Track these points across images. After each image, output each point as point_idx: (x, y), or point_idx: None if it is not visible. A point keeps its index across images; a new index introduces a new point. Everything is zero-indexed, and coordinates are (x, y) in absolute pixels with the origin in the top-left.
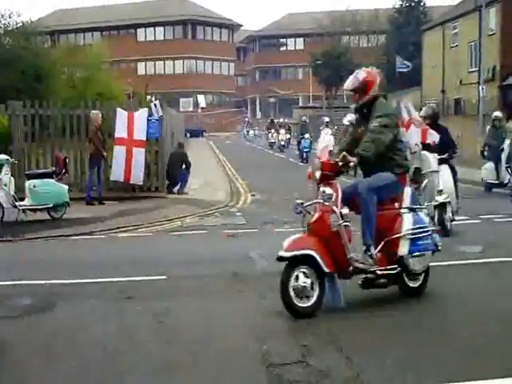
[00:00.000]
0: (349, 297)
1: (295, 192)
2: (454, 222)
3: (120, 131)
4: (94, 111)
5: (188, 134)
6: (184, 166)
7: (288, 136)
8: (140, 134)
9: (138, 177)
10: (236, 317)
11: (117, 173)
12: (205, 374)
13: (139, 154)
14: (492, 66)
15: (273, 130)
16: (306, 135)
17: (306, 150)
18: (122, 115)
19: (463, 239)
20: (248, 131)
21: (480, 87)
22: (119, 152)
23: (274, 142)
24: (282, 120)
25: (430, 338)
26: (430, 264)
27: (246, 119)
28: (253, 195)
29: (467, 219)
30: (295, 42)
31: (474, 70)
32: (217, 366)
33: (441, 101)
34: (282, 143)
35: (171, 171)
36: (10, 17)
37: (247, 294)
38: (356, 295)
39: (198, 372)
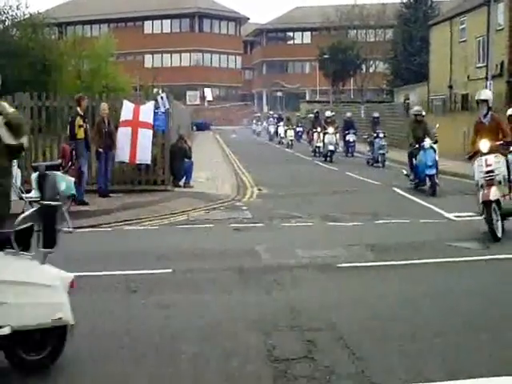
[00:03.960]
0: (352, 294)
1: None
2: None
3: (125, 116)
4: (102, 103)
5: (194, 128)
6: (186, 159)
7: (353, 138)
8: (146, 117)
9: (144, 156)
10: (241, 311)
11: (121, 154)
12: (210, 368)
13: (145, 135)
14: (500, 62)
15: (319, 129)
16: (381, 134)
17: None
18: (128, 107)
19: (468, 235)
20: (278, 127)
21: (488, 83)
22: (124, 133)
23: (319, 147)
24: (329, 114)
25: (437, 334)
26: (437, 260)
27: (272, 113)
28: (259, 189)
29: (473, 216)
30: (302, 35)
31: (481, 65)
32: (222, 360)
33: (448, 96)
34: (331, 148)
35: (172, 164)
36: (18, 8)
37: (252, 288)
38: (360, 292)
39: (203, 366)
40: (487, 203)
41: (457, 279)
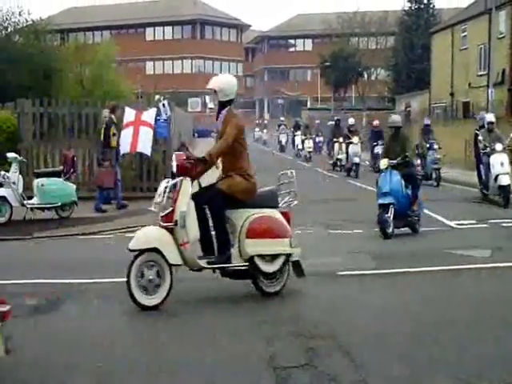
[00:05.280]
0: (353, 302)
1: None
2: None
3: (127, 119)
4: (104, 110)
5: (196, 135)
6: None
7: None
8: (148, 118)
9: (145, 148)
10: (242, 318)
11: (123, 146)
12: (211, 375)
13: (146, 131)
14: (501, 70)
15: (341, 139)
16: (435, 145)
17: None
18: (129, 113)
19: (471, 243)
20: (295, 136)
21: (489, 90)
22: (126, 131)
23: (341, 160)
24: (352, 121)
25: (438, 342)
26: (439, 268)
27: (283, 120)
28: None
29: (475, 223)
30: (304, 42)
31: (483, 73)
32: (223, 368)
33: (449, 104)
34: (356, 161)
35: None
36: (20, 14)
37: (253, 295)
38: (361, 300)
39: (205, 373)
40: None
41: (458, 287)
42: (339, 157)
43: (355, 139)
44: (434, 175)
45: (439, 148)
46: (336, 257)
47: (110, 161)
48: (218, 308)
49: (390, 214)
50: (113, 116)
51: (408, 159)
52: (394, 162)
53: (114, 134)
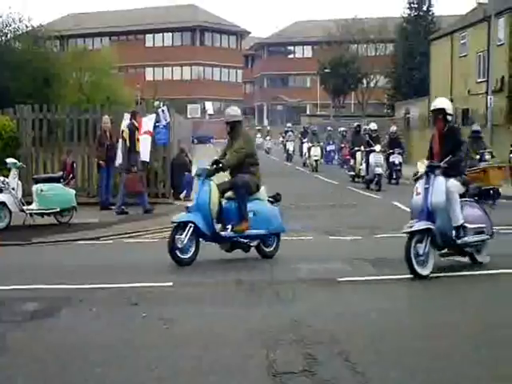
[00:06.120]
0: (353, 308)
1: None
2: None
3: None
4: (104, 116)
5: (195, 141)
6: (187, 172)
7: (399, 160)
8: (147, 127)
9: (144, 154)
10: (242, 324)
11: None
12: (210, 381)
13: (145, 139)
14: (500, 77)
15: (363, 148)
16: (487, 155)
17: None
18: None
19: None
20: (303, 143)
21: (488, 97)
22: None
23: (360, 170)
24: (374, 126)
25: (439, 348)
26: (437, 274)
27: (290, 126)
28: None
29: None
30: (303, 49)
31: (482, 80)
32: (222, 373)
33: None
34: (378, 171)
35: (173, 178)
36: (20, 21)
37: (253, 301)
38: (361, 306)
39: (203, 379)
40: None
41: (457, 293)
42: (362, 167)
43: (377, 147)
44: (491, 190)
45: (492, 157)
46: (336, 263)
47: (136, 166)
48: (216, 314)
49: (185, 237)
50: (134, 121)
51: (222, 165)
52: (207, 167)
53: (137, 140)
